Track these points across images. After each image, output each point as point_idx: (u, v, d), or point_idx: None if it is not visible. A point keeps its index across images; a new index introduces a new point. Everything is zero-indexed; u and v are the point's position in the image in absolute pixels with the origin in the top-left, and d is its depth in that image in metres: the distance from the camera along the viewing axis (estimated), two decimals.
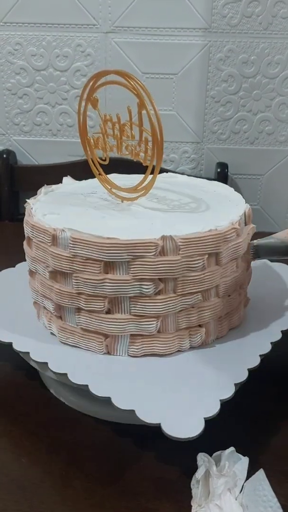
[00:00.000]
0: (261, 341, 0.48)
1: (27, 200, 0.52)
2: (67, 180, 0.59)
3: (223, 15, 0.92)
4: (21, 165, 1.04)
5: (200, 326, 0.47)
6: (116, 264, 0.43)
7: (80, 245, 0.43)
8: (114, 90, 0.47)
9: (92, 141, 0.52)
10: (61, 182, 0.60)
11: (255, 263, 0.53)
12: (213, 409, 0.39)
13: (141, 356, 0.46)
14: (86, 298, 0.44)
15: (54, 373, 0.43)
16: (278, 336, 0.48)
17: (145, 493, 0.40)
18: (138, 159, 0.49)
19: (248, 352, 0.46)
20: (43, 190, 0.55)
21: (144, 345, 0.46)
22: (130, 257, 0.42)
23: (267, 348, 0.46)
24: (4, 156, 1.01)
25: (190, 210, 0.50)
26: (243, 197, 0.54)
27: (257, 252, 0.51)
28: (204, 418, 0.38)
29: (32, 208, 0.50)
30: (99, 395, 0.40)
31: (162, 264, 0.42)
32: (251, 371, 0.43)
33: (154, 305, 0.44)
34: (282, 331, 0.49)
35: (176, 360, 0.46)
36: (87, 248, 0.43)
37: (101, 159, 0.54)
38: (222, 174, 0.98)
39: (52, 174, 0.72)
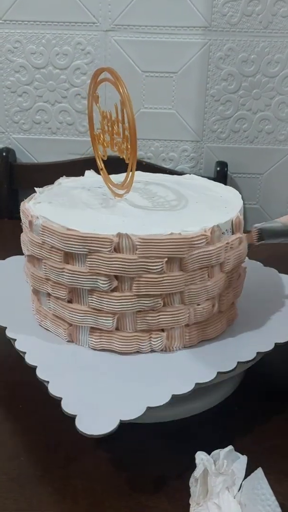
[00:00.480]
0: (228, 359, 0.45)
1: (35, 188, 0.54)
2: (89, 173, 0.60)
3: (223, 14, 0.92)
4: (21, 163, 1.04)
5: (162, 330, 0.46)
6: (74, 255, 0.44)
7: (47, 233, 0.45)
8: (113, 88, 0.47)
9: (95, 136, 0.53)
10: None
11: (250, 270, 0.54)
12: (131, 413, 0.38)
13: (100, 350, 0.47)
14: (52, 285, 0.47)
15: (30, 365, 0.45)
16: (251, 355, 0.45)
17: (144, 492, 0.40)
18: (123, 156, 0.49)
19: (206, 366, 0.44)
20: (58, 180, 0.58)
21: (102, 340, 0.46)
22: (86, 250, 0.43)
23: (229, 367, 0.44)
24: (4, 154, 1.00)
25: (173, 211, 0.49)
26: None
27: (261, 236, 0.50)
28: (120, 419, 0.38)
29: (34, 197, 0.53)
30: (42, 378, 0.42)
31: (117, 261, 0.43)
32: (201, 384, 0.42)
33: (110, 301, 0.44)
34: (258, 352, 0.46)
35: (132, 360, 0.46)
36: (52, 236, 0.45)
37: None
38: (221, 173, 0.98)
39: (51, 172, 0.72)
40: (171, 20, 0.92)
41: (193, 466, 0.38)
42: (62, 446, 0.44)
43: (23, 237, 0.50)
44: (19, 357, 0.48)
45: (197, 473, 0.37)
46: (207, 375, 0.43)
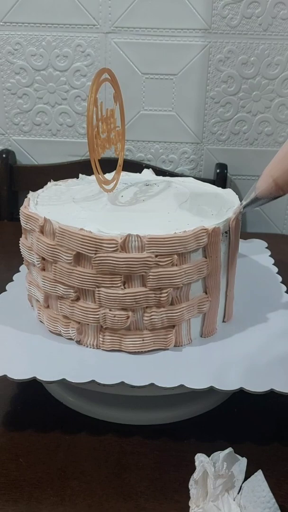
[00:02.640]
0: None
1: (52, 180, 0.56)
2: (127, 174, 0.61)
3: (223, 16, 0.92)
4: (21, 165, 1.04)
5: (78, 322, 0.47)
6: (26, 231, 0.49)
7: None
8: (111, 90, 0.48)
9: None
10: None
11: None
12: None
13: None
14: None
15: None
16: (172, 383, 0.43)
17: (143, 494, 0.40)
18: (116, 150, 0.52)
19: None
20: (81, 176, 0.60)
21: (40, 312, 0.50)
22: (29, 227, 0.48)
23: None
24: (4, 156, 1.01)
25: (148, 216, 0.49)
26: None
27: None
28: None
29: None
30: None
31: (41, 243, 0.47)
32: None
33: (40, 279, 0.49)
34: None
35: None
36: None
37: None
38: (221, 175, 0.98)
39: (51, 174, 0.72)
40: (171, 22, 0.92)
41: (192, 468, 0.37)
42: (61, 448, 0.44)
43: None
44: None
45: (196, 475, 0.37)
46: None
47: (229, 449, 0.38)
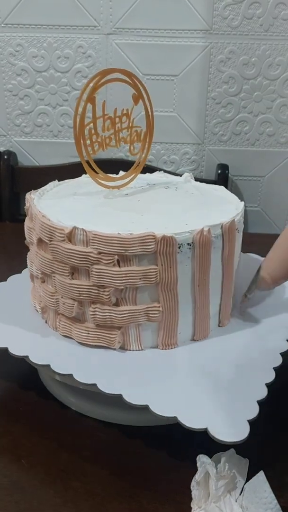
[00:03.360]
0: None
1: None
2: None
3: (224, 17, 0.92)
4: (22, 166, 1.04)
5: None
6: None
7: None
8: (114, 91, 0.48)
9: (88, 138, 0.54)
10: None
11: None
12: None
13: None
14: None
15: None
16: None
17: (146, 495, 0.40)
18: (131, 148, 0.54)
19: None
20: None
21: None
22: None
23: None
24: (5, 157, 1.01)
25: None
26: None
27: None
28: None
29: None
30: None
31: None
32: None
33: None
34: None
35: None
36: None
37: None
38: (222, 176, 0.98)
39: (53, 175, 0.72)
40: (172, 23, 0.92)
41: (194, 470, 0.37)
42: (63, 449, 0.44)
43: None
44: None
45: (198, 476, 0.37)
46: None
47: (231, 450, 0.38)
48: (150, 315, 0.45)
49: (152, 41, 0.94)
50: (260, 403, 0.41)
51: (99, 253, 0.43)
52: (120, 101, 0.54)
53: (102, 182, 0.54)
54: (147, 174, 0.63)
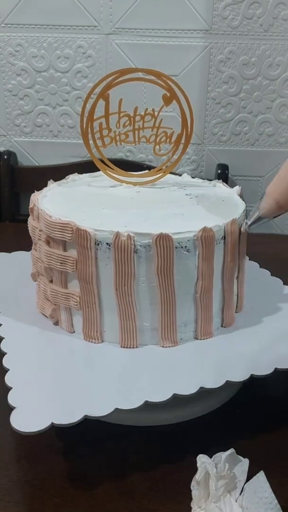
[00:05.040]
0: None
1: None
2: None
3: (224, 17, 0.92)
4: (22, 166, 1.04)
5: None
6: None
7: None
8: (124, 91, 0.48)
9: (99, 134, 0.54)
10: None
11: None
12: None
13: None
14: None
15: None
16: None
17: (146, 494, 0.40)
18: (157, 151, 0.55)
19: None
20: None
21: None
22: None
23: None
24: (5, 157, 1.01)
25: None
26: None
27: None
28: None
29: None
30: None
31: None
32: None
33: None
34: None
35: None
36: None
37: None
38: (222, 176, 0.99)
39: (52, 176, 0.72)
40: (172, 23, 0.92)
41: (194, 469, 0.37)
42: (63, 449, 0.44)
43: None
44: None
45: (198, 476, 0.37)
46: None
47: (231, 450, 0.38)
48: (70, 301, 0.47)
49: (152, 41, 0.94)
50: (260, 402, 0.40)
51: (40, 230, 0.48)
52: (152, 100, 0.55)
53: (114, 175, 0.55)
54: (186, 178, 0.63)
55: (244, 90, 0.97)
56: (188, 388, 0.41)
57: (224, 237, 0.46)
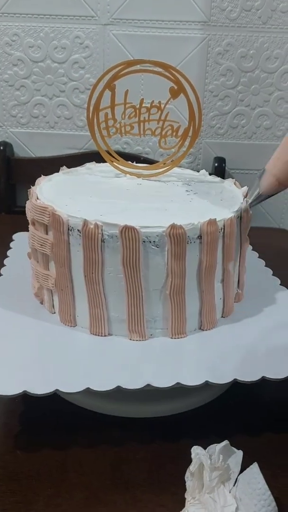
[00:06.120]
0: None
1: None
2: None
3: (222, 9, 0.91)
4: (18, 157, 1.03)
5: None
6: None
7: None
8: (128, 82, 0.48)
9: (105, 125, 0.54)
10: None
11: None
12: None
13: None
14: None
15: None
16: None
17: (140, 486, 0.40)
18: (162, 144, 0.55)
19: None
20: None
21: None
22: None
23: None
24: (1, 148, 1.00)
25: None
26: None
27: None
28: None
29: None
30: None
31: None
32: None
33: None
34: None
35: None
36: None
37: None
38: (219, 169, 0.98)
39: (49, 167, 0.72)
40: (170, 14, 0.92)
41: (189, 461, 0.38)
42: (58, 440, 0.44)
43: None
44: None
45: (192, 467, 0.37)
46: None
47: (225, 442, 0.38)
48: (49, 282, 0.49)
49: (150, 32, 0.93)
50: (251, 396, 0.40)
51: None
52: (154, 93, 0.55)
53: (119, 166, 0.56)
54: (191, 172, 0.62)
55: (242, 83, 0.96)
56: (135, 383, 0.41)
57: (200, 236, 0.45)
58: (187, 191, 0.54)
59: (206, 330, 0.49)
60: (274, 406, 0.49)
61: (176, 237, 0.43)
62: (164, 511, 0.38)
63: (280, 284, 0.58)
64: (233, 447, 0.39)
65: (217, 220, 0.45)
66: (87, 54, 0.96)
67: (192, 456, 0.38)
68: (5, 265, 0.59)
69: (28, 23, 0.94)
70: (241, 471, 0.38)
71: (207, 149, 1.02)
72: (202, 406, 0.49)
